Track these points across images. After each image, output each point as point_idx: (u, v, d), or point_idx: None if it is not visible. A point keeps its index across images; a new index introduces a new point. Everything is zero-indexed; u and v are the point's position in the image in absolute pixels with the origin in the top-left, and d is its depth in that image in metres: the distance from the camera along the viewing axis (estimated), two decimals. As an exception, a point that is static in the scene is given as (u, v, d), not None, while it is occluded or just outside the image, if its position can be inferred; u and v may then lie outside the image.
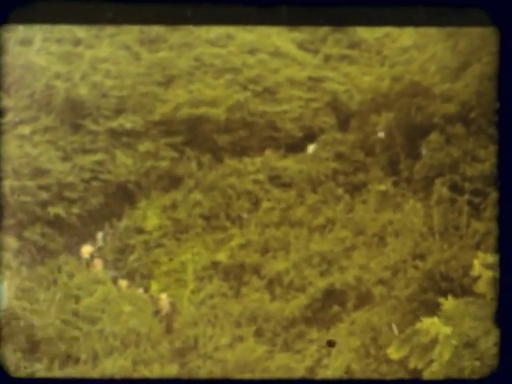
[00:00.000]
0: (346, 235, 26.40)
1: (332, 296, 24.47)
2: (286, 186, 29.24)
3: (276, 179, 29.52)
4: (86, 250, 27.75)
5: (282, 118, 32.06)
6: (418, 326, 17.84)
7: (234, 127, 31.42)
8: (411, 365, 19.85)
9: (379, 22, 19.30)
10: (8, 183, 27.69)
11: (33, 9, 17.43)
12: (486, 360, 16.57)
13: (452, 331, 16.84)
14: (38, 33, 32.88)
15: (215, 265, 26.34)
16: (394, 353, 18.77)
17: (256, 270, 25.97)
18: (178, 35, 34.63)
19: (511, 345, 15.89)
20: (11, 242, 26.63)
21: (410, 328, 18.57)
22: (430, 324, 17.56)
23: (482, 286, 17.21)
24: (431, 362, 19.18)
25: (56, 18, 18.32)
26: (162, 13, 18.71)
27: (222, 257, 26.42)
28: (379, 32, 37.85)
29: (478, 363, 17.02)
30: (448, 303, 18.67)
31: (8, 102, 30.32)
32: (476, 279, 17.63)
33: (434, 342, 18.01)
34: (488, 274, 16.87)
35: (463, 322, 17.12)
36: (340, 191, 28.52)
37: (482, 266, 17.13)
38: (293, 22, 19.64)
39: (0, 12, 17.05)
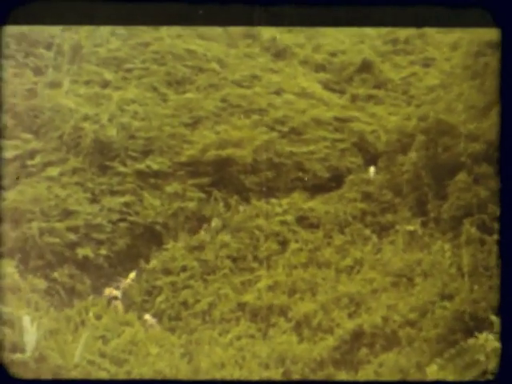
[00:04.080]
0: (374, 276, 26.23)
1: (360, 338, 24.24)
2: (314, 226, 29.19)
3: (303, 220, 29.49)
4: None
5: (309, 158, 32.12)
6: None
7: (261, 168, 31.52)
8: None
9: (381, 22, 19.31)
10: (36, 225, 27.90)
11: (32, 8, 17.64)
12: None
13: None
14: (66, 75, 33.34)
15: (242, 306, 26.24)
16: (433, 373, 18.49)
17: (283, 312, 25.82)
18: (204, 76, 34.95)
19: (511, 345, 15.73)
20: (39, 283, 26.75)
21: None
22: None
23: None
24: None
25: (55, 18, 18.49)
26: (161, 13, 18.84)
27: (249, 298, 26.33)
28: (405, 72, 38.02)
29: None
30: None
31: (37, 144, 30.69)
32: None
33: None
34: None
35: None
36: (368, 232, 28.44)
37: None
38: (292, 21, 19.69)
39: (0, 12, 17.24)
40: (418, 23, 19.80)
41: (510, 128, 16.69)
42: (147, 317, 26.89)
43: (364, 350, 23.84)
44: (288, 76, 35.84)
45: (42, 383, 21.12)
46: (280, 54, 37.39)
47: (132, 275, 28.40)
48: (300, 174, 31.74)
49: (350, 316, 25.05)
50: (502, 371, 15.93)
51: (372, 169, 31.50)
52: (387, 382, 21.68)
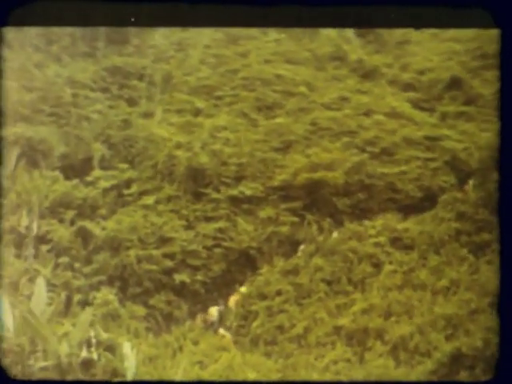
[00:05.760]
0: (471, 297, 25.79)
1: (459, 361, 23.84)
2: (408, 248, 28.90)
3: (397, 241, 29.25)
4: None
5: (401, 178, 31.93)
6: None
7: (353, 190, 31.47)
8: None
9: (379, 23, 19.16)
10: (134, 252, 28.52)
11: (32, 8, 17.98)
12: None
13: None
14: (158, 105, 34.07)
15: (338, 330, 26.16)
16: None
17: (379, 335, 25.62)
18: (293, 101, 35.17)
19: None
20: (138, 309, 27.31)
21: None
22: None
23: None
24: None
25: (55, 19, 18.81)
26: (161, 14, 18.97)
27: (344, 322, 26.23)
28: (495, 86, 37.41)
29: None
30: None
31: (132, 174, 31.42)
32: None
33: None
34: None
35: None
36: (464, 252, 28.01)
37: None
38: (297, 23, 19.66)
39: (0, 12, 17.65)
40: (418, 23, 19.64)
41: (509, 132, 16.36)
42: (221, 330, 27.27)
43: (463, 374, 23.45)
44: (377, 96, 35.74)
45: (41, 383, 21.44)
46: (368, 74, 37.33)
47: (243, 289, 28.70)
48: (392, 194, 31.58)
49: (448, 338, 24.67)
50: (502, 371, 15.52)
51: (471, 182, 31.12)
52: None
